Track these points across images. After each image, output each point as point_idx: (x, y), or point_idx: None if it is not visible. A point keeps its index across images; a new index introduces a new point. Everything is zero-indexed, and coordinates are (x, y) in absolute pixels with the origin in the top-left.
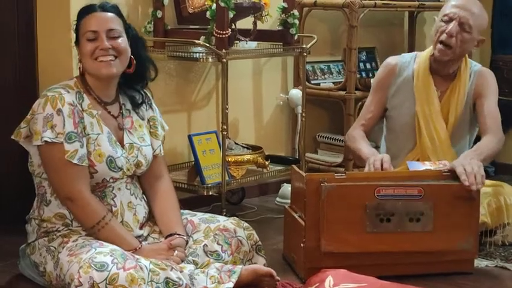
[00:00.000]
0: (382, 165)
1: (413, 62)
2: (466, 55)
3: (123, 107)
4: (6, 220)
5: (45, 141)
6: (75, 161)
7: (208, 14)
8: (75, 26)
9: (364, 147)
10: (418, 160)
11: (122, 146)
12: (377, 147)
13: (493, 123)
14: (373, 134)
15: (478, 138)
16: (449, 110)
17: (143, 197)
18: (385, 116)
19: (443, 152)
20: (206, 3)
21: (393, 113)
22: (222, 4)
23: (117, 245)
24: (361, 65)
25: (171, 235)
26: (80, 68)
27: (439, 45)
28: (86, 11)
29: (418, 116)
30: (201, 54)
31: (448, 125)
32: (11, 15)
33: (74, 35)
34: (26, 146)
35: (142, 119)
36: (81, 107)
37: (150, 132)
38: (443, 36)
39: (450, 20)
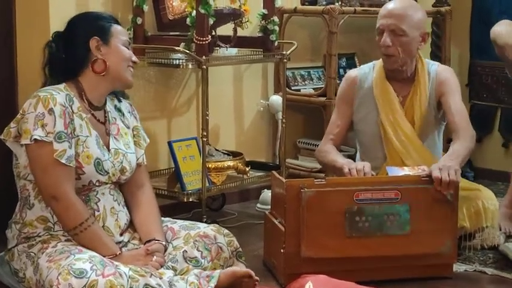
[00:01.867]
0: (364, 173)
1: (372, 72)
2: (421, 56)
3: (108, 114)
4: None
5: (35, 139)
6: (63, 161)
7: (188, 20)
8: (94, 26)
9: (338, 158)
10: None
11: (108, 150)
12: (355, 154)
13: (462, 120)
14: (349, 141)
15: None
16: (413, 113)
17: (125, 205)
18: (354, 130)
19: (416, 151)
20: (186, 9)
21: (360, 126)
22: (202, 11)
23: (97, 249)
24: (341, 71)
25: (149, 241)
26: (94, 67)
27: (383, 57)
28: (110, 20)
29: (383, 124)
30: (181, 61)
31: (415, 127)
32: None
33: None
34: (13, 147)
35: (128, 127)
36: (72, 109)
37: (134, 141)
38: (383, 49)
39: (382, 32)
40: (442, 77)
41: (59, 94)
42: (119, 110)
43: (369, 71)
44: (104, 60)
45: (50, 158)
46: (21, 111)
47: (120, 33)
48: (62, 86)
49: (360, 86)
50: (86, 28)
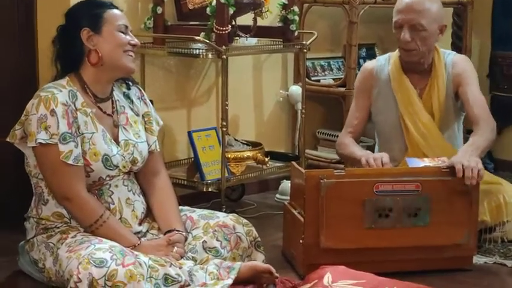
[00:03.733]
0: (382, 165)
1: (387, 64)
2: (437, 47)
3: (116, 103)
4: (6, 217)
5: (40, 142)
6: (70, 162)
7: (208, 10)
8: (85, 16)
9: (357, 150)
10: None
11: (117, 143)
12: (374, 145)
13: (481, 111)
14: (368, 132)
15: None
16: (432, 105)
17: (141, 193)
18: (373, 121)
19: (436, 143)
20: None
21: (379, 118)
22: (222, 0)
23: (116, 242)
24: (361, 61)
25: (170, 231)
26: (89, 59)
27: (402, 51)
28: (104, 6)
29: (403, 117)
30: (201, 51)
31: (435, 118)
32: (11, 9)
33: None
34: (22, 148)
35: (137, 115)
36: (75, 106)
37: (145, 128)
38: (402, 44)
39: (400, 26)
40: (459, 67)
41: (61, 92)
42: (127, 97)
43: (385, 63)
44: (96, 51)
45: (57, 160)
46: (24, 113)
47: (115, 19)
48: (64, 81)
49: (377, 78)
50: (78, 19)
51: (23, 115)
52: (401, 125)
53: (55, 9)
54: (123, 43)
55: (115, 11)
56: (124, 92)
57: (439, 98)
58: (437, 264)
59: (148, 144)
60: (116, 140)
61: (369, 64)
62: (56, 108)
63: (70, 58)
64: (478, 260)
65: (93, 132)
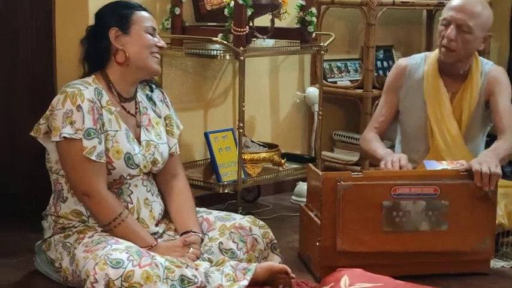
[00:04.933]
0: (400, 167)
1: (423, 64)
2: (477, 54)
3: (139, 104)
4: (23, 216)
5: (64, 137)
6: (93, 158)
7: (226, 11)
8: (114, 16)
9: (378, 148)
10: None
11: (139, 143)
12: (392, 147)
13: (508, 123)
14: (388, 133)
15: (491, 136)
16: (461, 111)
17: (159, 194)
18: (398, 119)
19: (458, 152)
20: (224, 0)
21: (405, 116)
22: (240, 1)
23: (132, 242)
24: (379, 63)
25: (186, 232)
26: (116, 58)
27: (442, 49)
28: (133, 7)
29: (429, 119)
30: (218, 52)
31: (462, 125)
32: (28, 13)
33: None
34: (44, 143)
35: (159, 117)
36: (100, 103)
37: (166, 130)
38: (444, 41)
39: (449, 23)
40: (494, 76)
41: (87, 89)
42: (150, 99)
43: (420, 61)
44: (123, 50)
45: (79, 155)
46: (50, 108)
47: (143, 20)
48: (90, 79)
49: (408, 76)
50: (107, 19)
51: (48, 110)
52: (427, 127)
53: (73, 14)
54: (150, 44)
55: (143, 12)
56: (147, 94)
57: (470, 104)
58: (455, 268)
59: (169, 146)
60: (138, 140)
61: (402, 61)
62: (82, 104)
63: (97, 57)
64: (495, 264)
65: (117, 131)
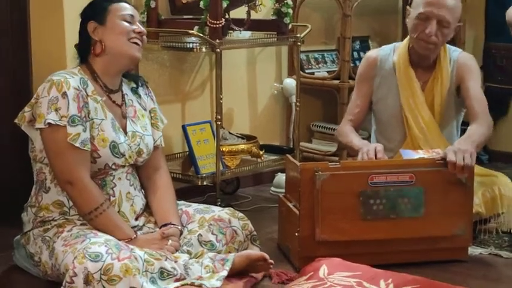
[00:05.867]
0: (376, 155)
1: (392, 54)
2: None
3: (125, 96)
4: (1, 212)
5: (49, 123)
6: (77, 144)
7: (201, 3)
8: (93, 10)
9: (355, 139)
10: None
11: (125, 133)
12: (368, 137)
13: (480, 108)
14: (364, 124)
15: (467, 125)
16: (433, 99)
17: (141, 189)
18: (372, 110)
19: (434, 140)
20: None
21: (379, 106)
22: None
23: (112, 233)
24: (355, 54)
25: (165, 225)
26: (94, 50)
27: (421, 43)
28: (111, 0)
29: (403, 108)
30: (194, 44)
31: (435, 113)
32: (4, 11)
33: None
34: (28, 131)
35: (145, 109)
36: (86, 92)
37: (151, 123)
38: (424, 36)
39: (427, 18)
40: (463, 63)
41: (73, 78)
42: (135, 92)
43: (389, 52)
44: (100, 41)
45: (63, 142)
46: (35, 96)
47: (119, 9)
48: (76, 69)
49: (380, 67)
50: (87, 13)
51: (33, 98)
52: (402, 116)
53: (48, 14)
54: (126, 31)
55: (121, 3)
56: (132, 88)
57: (442, 92)
58: (433, 256)
59: (154, 139)
60: (124, 130)
61: (372, 53)
62: (67, 91)
63: (80, 50)
64: (473, 251)
65: (103, 119)
